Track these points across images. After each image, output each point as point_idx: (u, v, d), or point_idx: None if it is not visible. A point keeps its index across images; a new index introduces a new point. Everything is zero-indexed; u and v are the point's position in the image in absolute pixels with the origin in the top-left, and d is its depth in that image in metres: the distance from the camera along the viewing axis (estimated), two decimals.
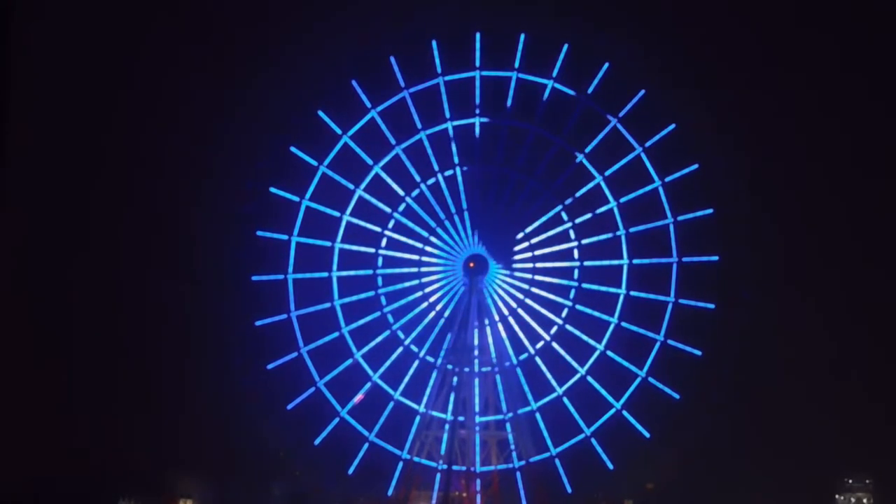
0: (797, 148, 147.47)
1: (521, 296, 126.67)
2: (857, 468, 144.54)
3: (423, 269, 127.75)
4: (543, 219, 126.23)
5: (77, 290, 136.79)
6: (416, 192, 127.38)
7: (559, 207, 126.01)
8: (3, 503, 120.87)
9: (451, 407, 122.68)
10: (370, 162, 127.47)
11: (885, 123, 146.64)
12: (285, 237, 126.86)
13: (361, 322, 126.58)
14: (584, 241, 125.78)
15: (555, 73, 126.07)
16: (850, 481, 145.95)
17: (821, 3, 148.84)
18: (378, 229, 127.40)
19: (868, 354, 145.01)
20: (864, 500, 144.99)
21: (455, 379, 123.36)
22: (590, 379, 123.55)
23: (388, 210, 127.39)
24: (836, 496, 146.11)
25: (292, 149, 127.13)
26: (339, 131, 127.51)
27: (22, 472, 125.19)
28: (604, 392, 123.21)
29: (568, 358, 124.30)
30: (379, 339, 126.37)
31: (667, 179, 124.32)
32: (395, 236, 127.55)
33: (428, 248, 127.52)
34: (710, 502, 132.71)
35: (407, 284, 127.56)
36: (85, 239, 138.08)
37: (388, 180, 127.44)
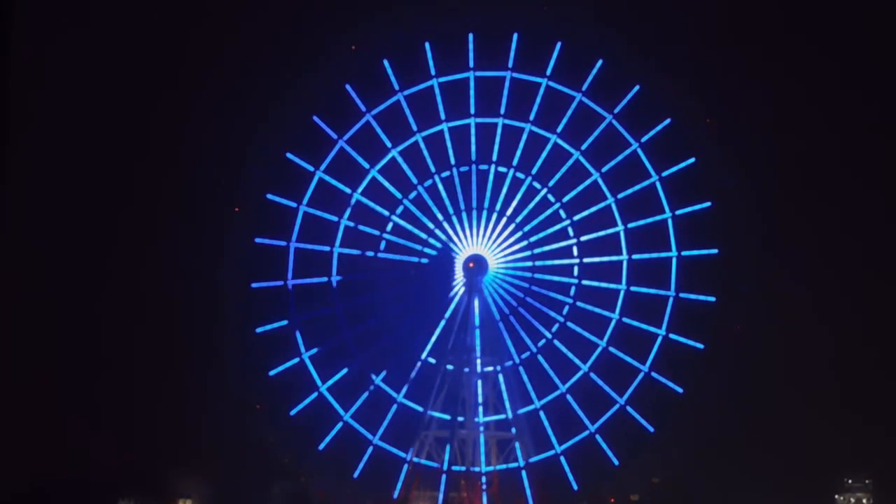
0: (794, 139, 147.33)
1: (521, 294, 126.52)
2: (857, 468, 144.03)
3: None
4: (542, 217, 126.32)
5: (78, 295, 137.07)
6: (413, 195, 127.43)
7: (557, 205, 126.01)
8: (3, 503, 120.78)
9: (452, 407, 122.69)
10: (367, 166, 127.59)
11: (885, 116, 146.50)
12: (284, 243, 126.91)
13: (362, 326, 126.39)
14: (583, 238, 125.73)
15: (549, 72, 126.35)
16: (850, 481, 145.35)
17: None
18: (377, 233, 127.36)
19: (869, 352, 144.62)
20: (864, 500, 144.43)
21: (454, 379, 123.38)
22: (592, 375, 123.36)
23: (385, 213, 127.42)
24: (836, 496, 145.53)
25: (288, 155, 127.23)
26: (334, 136, 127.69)
27: (22, 472, 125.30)
28: (607, 388, 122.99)
29: (570, 355, 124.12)
30: (380, 342, 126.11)
31: (664, 174, 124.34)
32: (394, 239, 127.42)
33: (427, 250, 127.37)
34: (714, 497, 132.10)
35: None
36: (86, 245, 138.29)
37: (386, 183, 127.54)
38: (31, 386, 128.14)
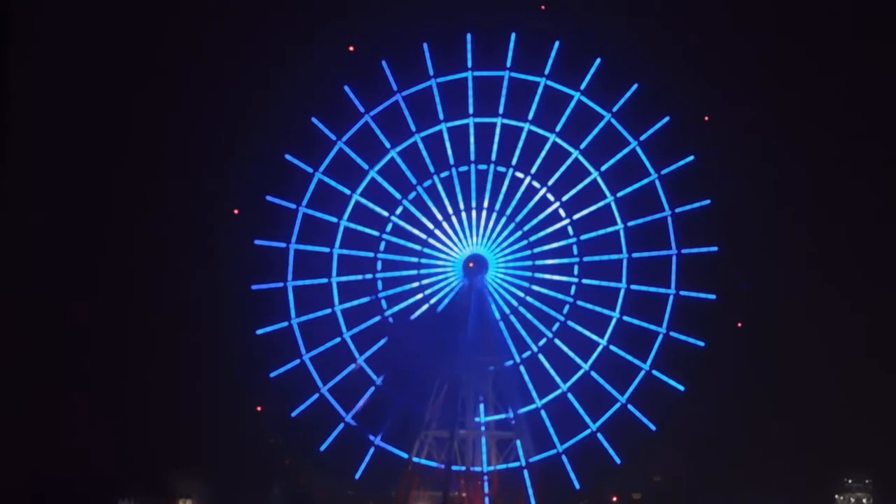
0: (792, 136, 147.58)
1: (521, 294, 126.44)
2: (857, 468, 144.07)
3: (423, 272, 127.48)
4: (541, 216, 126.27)
5: (78, 295, 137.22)
6: (412, 195, 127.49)
7: (556, 204, 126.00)
8: (3, 503, 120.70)
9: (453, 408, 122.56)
10: (366, 167, 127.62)
11: (885, 115, 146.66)
12: (283, 245, 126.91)
13: (363, 327, 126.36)
14: (583, 237, 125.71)
15: (547, 71, 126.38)
16: (850, 481, 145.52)
17: None
18: (376, 233, 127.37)
19: (869, 351, 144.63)
20: (864, 501, 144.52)
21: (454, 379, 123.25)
22: (593, 374, 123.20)
23: (385, 214, 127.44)
24: (836, 496, 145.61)
25: (287, 156, 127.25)
26: (333, 137, 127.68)
27: (22, 472, 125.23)
28: (608, 387, 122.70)
29: (571, 354, 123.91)
30: (381, 343, 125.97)
31: (663, 172, 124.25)
32: (394, 240, 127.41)
33: (427, 251, 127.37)
34: (714, 495, 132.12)
35: (407, 287, 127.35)
36: (86, 245, 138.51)
37: (385, 184, 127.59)
38: (30, 386, 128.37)
